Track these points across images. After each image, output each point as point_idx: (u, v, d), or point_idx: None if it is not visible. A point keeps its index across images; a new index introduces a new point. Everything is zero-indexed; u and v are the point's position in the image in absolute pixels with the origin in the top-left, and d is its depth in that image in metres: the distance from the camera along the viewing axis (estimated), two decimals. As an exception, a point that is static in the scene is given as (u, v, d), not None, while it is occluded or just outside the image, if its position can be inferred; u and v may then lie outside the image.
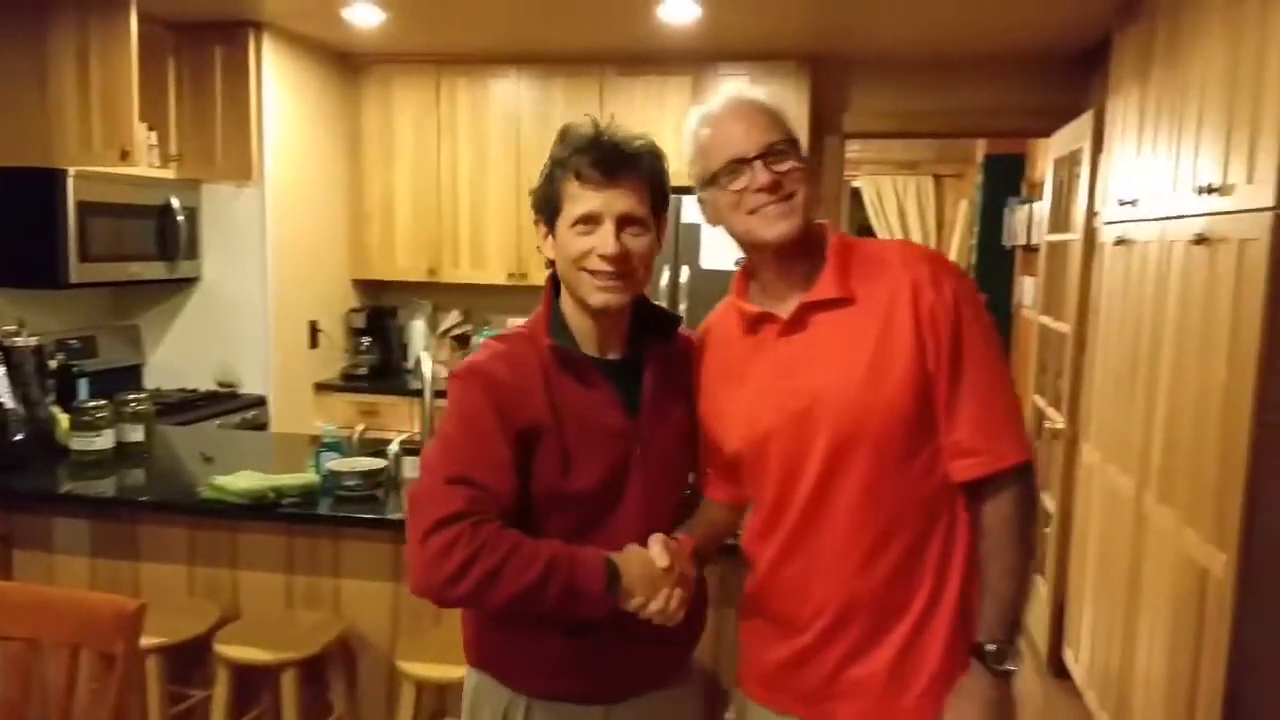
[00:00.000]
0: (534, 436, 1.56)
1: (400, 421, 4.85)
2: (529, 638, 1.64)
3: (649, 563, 1.54)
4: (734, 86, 1.69)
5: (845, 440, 1.55)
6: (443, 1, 4.05)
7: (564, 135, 1.61)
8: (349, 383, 5.15)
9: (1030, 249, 5.76)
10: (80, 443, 3.12)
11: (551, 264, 1.67)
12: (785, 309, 1.63)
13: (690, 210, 4.43)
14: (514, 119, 5.06)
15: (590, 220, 1.56)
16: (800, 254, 1.62)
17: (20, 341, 3.24)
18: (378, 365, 5.28)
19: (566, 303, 1.68)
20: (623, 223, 1.57)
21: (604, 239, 1.56)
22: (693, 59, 4.80)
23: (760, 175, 1.56)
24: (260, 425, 4.54)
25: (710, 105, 1.66)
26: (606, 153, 1.56)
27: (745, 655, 1.77)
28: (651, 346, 1.70)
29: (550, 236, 1.64)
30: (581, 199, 1.57)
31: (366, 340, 5.29)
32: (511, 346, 1.64)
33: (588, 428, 1.60)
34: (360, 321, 5.32)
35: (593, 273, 1.57)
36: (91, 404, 3.17)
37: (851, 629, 1.59)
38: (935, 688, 1.57)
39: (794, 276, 1.63)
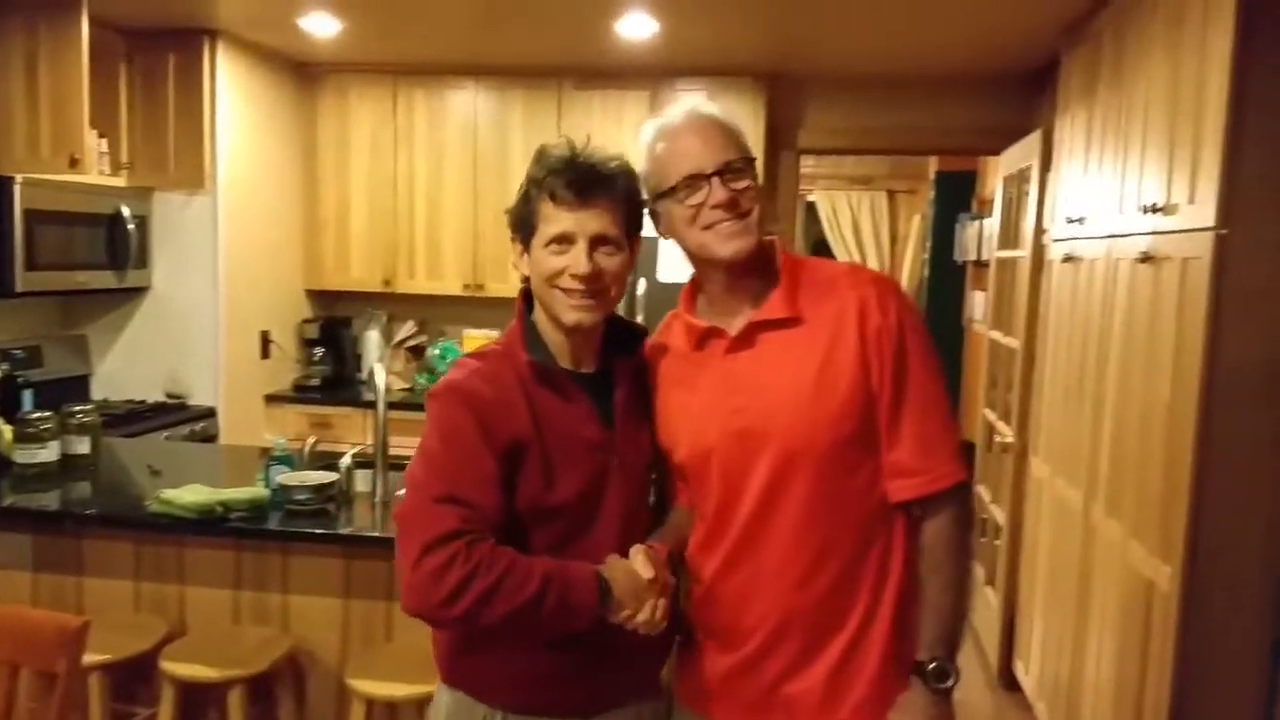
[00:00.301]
0: (518, 451, 1.57)
1: (353, 433, 4.81)
2: (507, 653, 1.64)
3: (634, 574, 1.56)
4: (691, 101, 1.70)
5: (788, 458, 1.57)
6: (400, 12, 4.03)
7: (540, 156, 1.63)
8: (301, 394, 5.10)
9: (981, 264, 5.85)
10: (24, 455, 3.07)
11: (526, 280, 1.68)
12: (733, 325, 1.65)
13: (649, 223, 4.43)
14: (471, 130, 5.05)
15: (564, 240, 1.59)
16: (751, 271, 1.64)
17: (-38, 352, 3.19)
18: (330, 376, 5.24)
19: (540, 318, 1.70)
20: (596, 243, 1.59)
21: (577, 259, 1.58)
22: (650, 74, 4.83)
23: (717, 192, 1.57)
24: (210, 437, 4.47)
25: (668, 118, 1.67)
26: (581, 174, 1.59)
27: (685, 666, 1.78)
28: (621, 359, 1.73)
29: (525, 254, 1.66)
30: (556, 219, 1.59)
31: (319, 351, 5.24)
32: (488, 364, 1.64)
33: (568, 441, 1.62)
34: (313, 332, 5.28)
35: (566, 291, 1.60)
36: (36, 415, 3.12)
37: (790, 643, 1.61)
38: (870, 703, 1.60)
39: (743, 293, 1.65)
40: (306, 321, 5.31)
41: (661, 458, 1.76)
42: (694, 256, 1.67)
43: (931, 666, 1.56)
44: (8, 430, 3.16)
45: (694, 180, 1.59)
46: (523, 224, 1.64)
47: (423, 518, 1.49)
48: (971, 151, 5.87)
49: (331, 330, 5.32)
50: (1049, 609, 3.56)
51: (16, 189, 3.71)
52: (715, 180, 1.57)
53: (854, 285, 1.62)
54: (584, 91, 4.93)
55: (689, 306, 1.74)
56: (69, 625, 1.89)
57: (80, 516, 2.83)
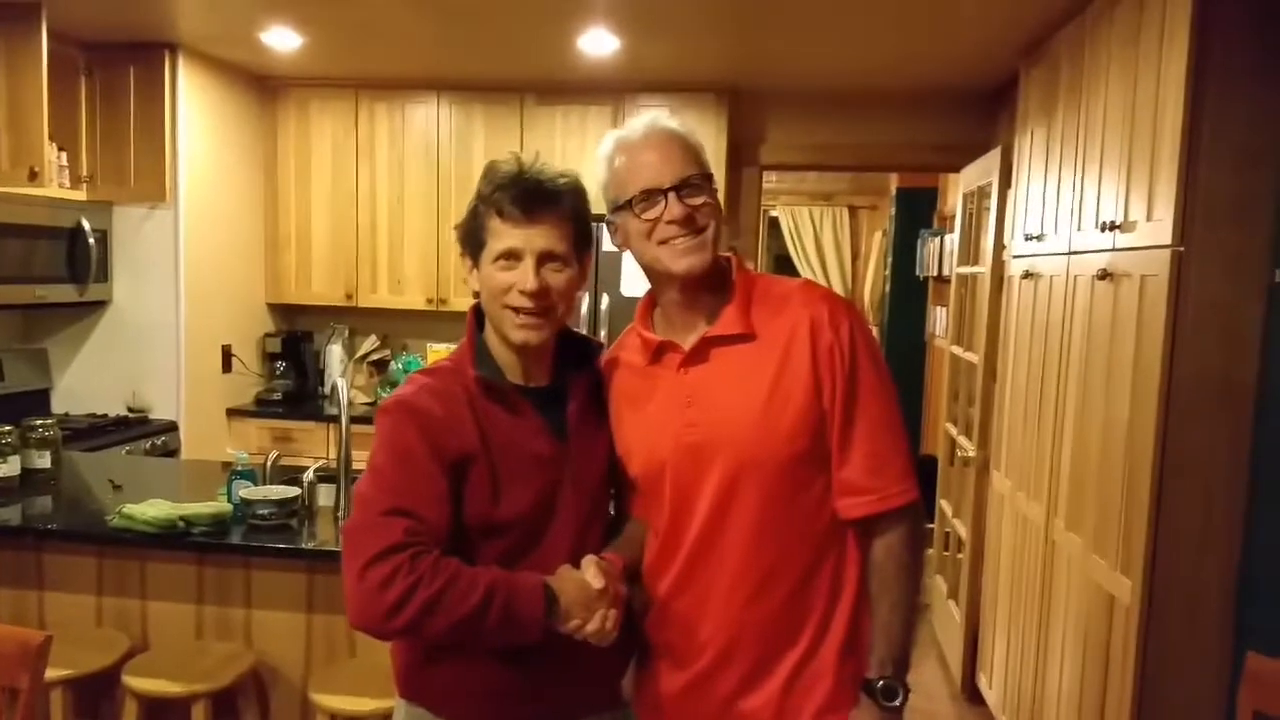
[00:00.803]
0: (464, 466, 1.57)
1: (315, 448, 4.78)
2: (465, 666, 1.63)
3: (584, 585, 1.55)
4: (651, 115, 1.70)
5: (738, 474, 1.58)
6: (362, 27, 4.03)
7: (488, 172, 1.63)
8: (263, 408, 5.06)
9: (942, 279, 5.91)
10: (-18, 470, 3.03)
11: (477, 295, 1.69)
12: (687, 340, 1.66)
13: (606, 236, 4.46)
14: (433, 145, 5.05)
15: (511, 256, 1.59)
16: (705, 287, 1.65)
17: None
18: (292, 391, 5.20)
19: (490, 334, 1.70)
20: (543, 259, 1.60)
21: (524, 275, 1.58)
22: (612, 89, 4.85)
23: (674, 207, 1.58)
24: (171, 451, 4.43)
25: (627, 131, 1.68)
26: (528, 190, 1.59)
27: (642, 684, 1.78)
28: (575, 373, 1.73)
29: (475, 270, 1.66)
30: (503, 235, 1.59)
31: (281, 365, 5.21)
32: (437, 380, 1.65)
33: (516, 456, 1.62)
34: (275, 346, 5.24)
35: (515, 310, 1.60)
36: (-4, 429, 3.08)
37: (741, 659, 1.62)
38: (824, 718, 1.61)
39: (698, 308, 1.66)
40: (269, 335, 5.27)
41: (619, 470, 1.76)
42: (649, 270, 1.68)
43: (881, 684, 1.57)
44: (-35, 444, 3.11)
45: (650, 194, 1.59)
46: (471, 239, 1.64)
47: (368, 531, 1.49)
48: (932, 168, 5.94)
49: (293, 344, 5.29)
50: (1011, 622, 3.60)
51: (-25, 201, 3.67)
52: (672, 195, 1.58)
53: (806, 302, 1.63)
54: (546, 106, 4.94)
55: (644, 321, 1.75)
56: (31, 640, 1.88)
57: (41, 531, 2.81)
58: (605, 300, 4.64)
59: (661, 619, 1.70)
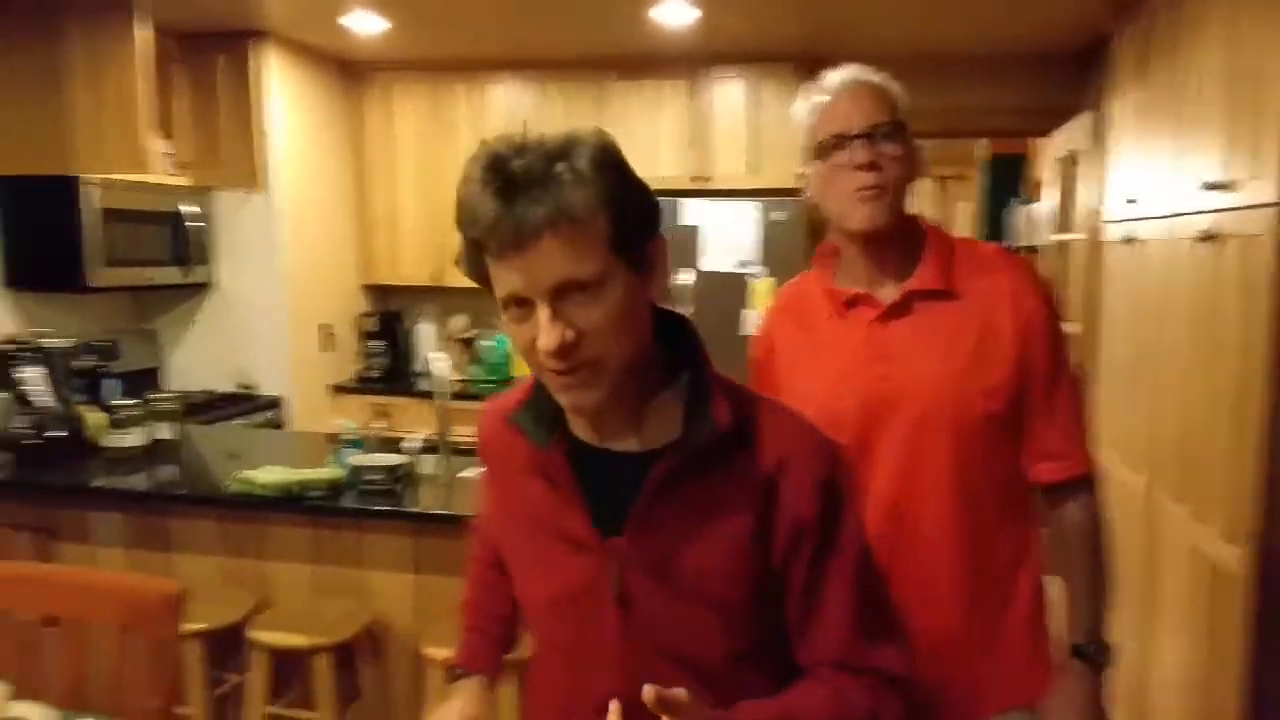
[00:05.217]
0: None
1: (411, 423, 4.90)
2: None
3: None
4: (853, 68, 1.64)
5: (931, 429, 1.56)
6: (442, 8, 4.09)
7: (459, 189, 1.11)
8: (363, 384, 5.21)
9: (1032, 249, 5.84)
10: (114, 440, 3.20)
11: None
12: (883, 293, 1.62)
13: (691, 211, 4.45)
14: (513, 125, 5.06)
15: (520, 303, 1.10)
16: (893, 241, 1.61)
17: (53, 343, 3.32)
18: (389, 368, 5.35)
19: None
20: (561, 293, 1.08)
21: (541, 328, 1.09)
22: (688, 62, 4.83)
23: (859, 153, 1.54)
24: (277, 425, 4.62)
25: (826, 81, 1.63)
26: (505, 200, 1.06)
27: None
28: (689, 441, 1.16)
29: None
30: (500, 277, 1.11)
31: (378, 343, 5.35)
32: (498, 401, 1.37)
33: (547, 532, 1.25)
34: (371, 325, 5.38)
35: (552, 371, 1.13)
36: (125, 403, 3.26)
37: (939, 621, 1.60)
38: (1018, 687, 1.62)
39: (886, 263, 1.62)
40: (364, 315, 5.42)
41: None
42: (834, 222, 1.63)
43: (1092, 647, 1.59)
44: (94, 417, 3.29)
45: (839, 140, 1.55)
46: (482, 282, 1.15)
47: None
48: (1019, 133, 5.84)
49: (388, 324, 5.44)
50: (1115, 595, 3.54)
51: (91, 189, 3.84)
52: (859, 141, 1.54)
53: (1008, 266, 1.62)
54: (622, 82, 4.93)
55: (825, 272, 1.70)
56: (170, 591, 1.99)
57: (169, 496, 2.97)
58: (688, 277, 4.56)
59: None
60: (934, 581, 1.59)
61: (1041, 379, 1.58)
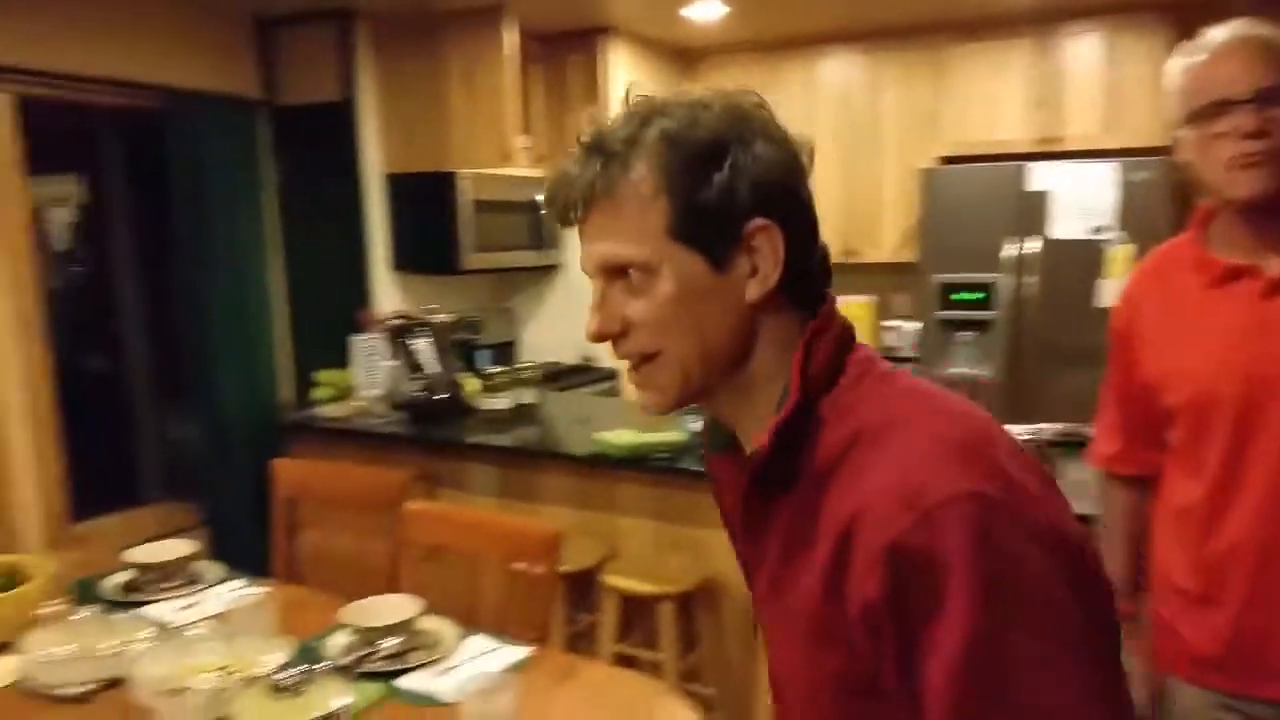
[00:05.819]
0: None
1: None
2: None
3: None
4: (1239, 23, 1.49)
5: None
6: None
7: None
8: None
9: None
10: (486, 402, 3.67)
11: None
12: (1270, 266, 1.48)
13: (1038, 176, 4.19)
14: (844, 99, 5.08)
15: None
16: (1276, 212, 1.48)
17: (438, 318, 3.83)
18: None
19: None
20: (611, 276, 0.99)
21: (589, 310, 1.01)
22: (1034, 20, 4.57)
23: (1245, 120, 1.41)
24: (614, 394, 5.00)
25: (1205, 38, 1.51)
26: (564, 169, 1.00)
27: (1173, 637, 1.62)
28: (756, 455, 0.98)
29: None
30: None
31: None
32: None
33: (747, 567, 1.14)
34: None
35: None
36: (495, 370, 3.72)
37: None
38: None
39: (1272, 233, 1.49)
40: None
41: (1126, 407, 1.64)
42: (1212, 192, 1.52)
43: None
44: (471, 383, 3.79)
45: (1221, 107, 1.43)
46: None
47: None
48: None
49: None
50: None
51: (464, 183, 4.30)
52: (1246, 107, 1.40)
53: None
54: (961, 46, 4.75)
55: (1200, 240, 1.59)
56: (550, 532, 2.31)
57: (533, 453, 3.36)
58: (1035, 245, 4.29)
59: (1207, 570, 1.54)
60: None
61: None
